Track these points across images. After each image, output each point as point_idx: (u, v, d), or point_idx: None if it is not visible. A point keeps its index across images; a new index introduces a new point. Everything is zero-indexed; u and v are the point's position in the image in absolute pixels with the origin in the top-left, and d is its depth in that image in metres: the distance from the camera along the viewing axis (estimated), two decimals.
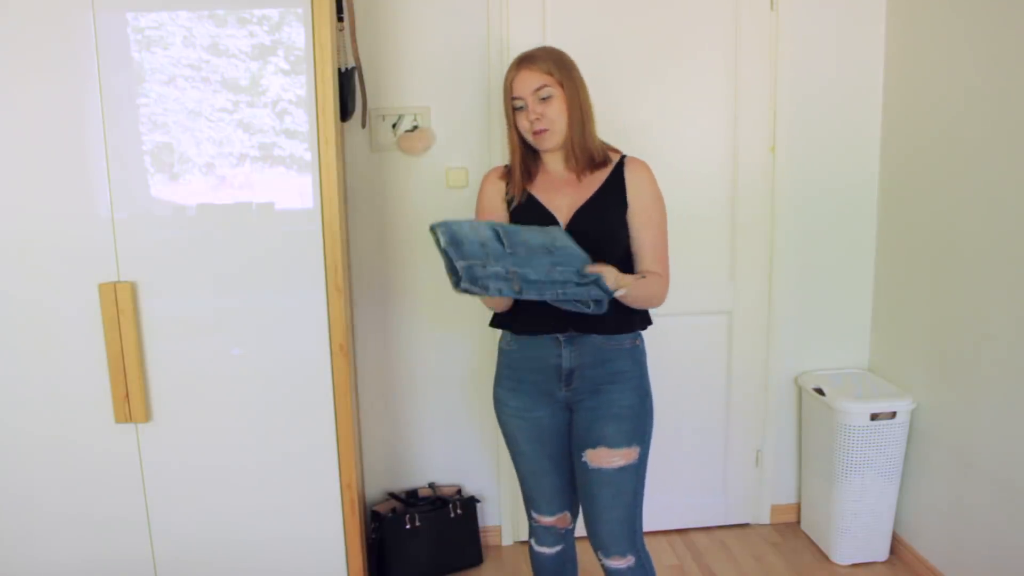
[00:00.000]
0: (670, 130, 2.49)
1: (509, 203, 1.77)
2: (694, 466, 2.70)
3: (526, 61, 1.70)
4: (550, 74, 1.69)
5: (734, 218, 2.56)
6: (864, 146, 2.56)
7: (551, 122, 1.69)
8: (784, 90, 2.48)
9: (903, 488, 2.49)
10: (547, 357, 1.75)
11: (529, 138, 1.73)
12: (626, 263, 1.75)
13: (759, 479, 2.73)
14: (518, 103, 1.71)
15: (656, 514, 2.69)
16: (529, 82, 1.69)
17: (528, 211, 1.74)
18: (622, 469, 1.72)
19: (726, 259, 2.59)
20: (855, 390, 2.46)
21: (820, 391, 2.50)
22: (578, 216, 1.71)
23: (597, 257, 1.68)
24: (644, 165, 1.77)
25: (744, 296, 2.61)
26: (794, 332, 2.64)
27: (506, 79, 1.73)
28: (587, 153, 1.74)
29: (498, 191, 1.80)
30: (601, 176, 1.75)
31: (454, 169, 2.43)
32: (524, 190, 1.76)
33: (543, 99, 1.69)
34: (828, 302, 2.64)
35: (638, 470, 1.74)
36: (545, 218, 1.72)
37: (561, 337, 1.73)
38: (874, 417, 2.38)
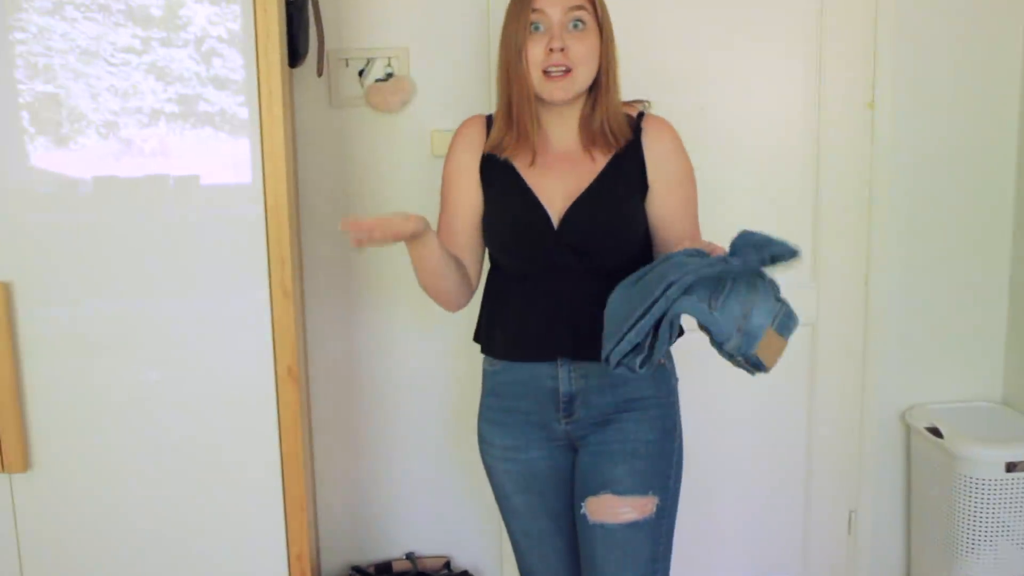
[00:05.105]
0: (728, 77, 2.50)
1: (486, 167, 1.75)
2: (763, 532, 2.72)
3: None
4: None
5: (817, 198, 2.58)
6: (1001, 109, 2.55)
7: (579, 60, 1.66)
8: (887, 22, 2.47)
9: None
10: (540, 379, 1.76)
11: (536, 77, 1.67)
12: (634, 267, 1.69)
13: (853, 550, 2.74)
14: (537, 19, 1.65)
15: None
16: None
17: (509, 197, 1.72)
18: (633, 526, 1.69)
19: (806, 252, 2.58)
20: (983, 430, 2.47)
21: (936, 431, 2.49)
22: (575, 209, 1.68)
23: (597, 263, 1.69)
24: (667, 126, 1.76)
25: (831, 302, 2.62)
26: (901, 352, 2.64)
27: None
28: (615, 116, 1.72)
29: (474, 153, 1.77)
30: (611, 147, 1.73)
31: (441, 132, 2.42)
32: (511, 166, 1.73)
33: (574, 27, 1.65)
34: (947, 313, 2.64)
35: (657, 529, 1.73)
36: (530, 211, 1.69)
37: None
38: (1011, 468, 2.37)
